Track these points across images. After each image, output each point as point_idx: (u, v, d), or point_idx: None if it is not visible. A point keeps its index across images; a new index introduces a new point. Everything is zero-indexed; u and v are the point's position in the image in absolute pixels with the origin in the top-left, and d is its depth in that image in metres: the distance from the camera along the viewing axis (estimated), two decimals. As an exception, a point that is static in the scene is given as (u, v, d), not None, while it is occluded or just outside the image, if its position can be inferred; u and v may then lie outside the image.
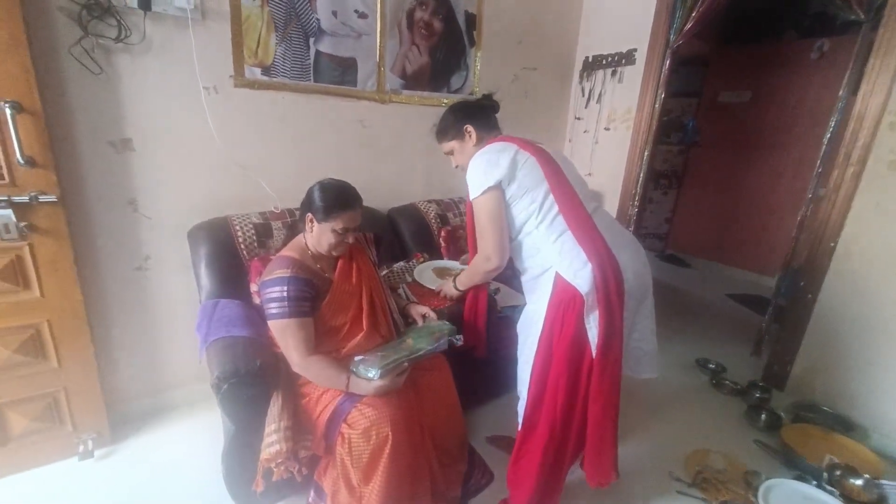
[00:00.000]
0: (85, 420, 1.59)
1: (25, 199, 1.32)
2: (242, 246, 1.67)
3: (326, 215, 1.29)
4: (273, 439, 1.20)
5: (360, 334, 1.38)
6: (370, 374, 1.22)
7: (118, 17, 1.42)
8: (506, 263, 1.31)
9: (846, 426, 1.88)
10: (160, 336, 1.79)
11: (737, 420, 2.02)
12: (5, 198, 1.29)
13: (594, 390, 1.22)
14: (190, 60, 1.57)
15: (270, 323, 1.26)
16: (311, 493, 1.40)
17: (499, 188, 1.25)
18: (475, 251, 1.41)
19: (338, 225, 1.29)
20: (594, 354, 1.19)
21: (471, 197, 1.29)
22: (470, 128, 1.40)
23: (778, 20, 3.61)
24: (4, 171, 1.30)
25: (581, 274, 1.17)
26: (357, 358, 1.29)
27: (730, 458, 1.74)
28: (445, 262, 2.05)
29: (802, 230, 2.24)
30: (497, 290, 1.80)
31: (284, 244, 1.48)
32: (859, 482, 1.54)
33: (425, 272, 1.90)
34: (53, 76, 1.38)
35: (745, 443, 1.86)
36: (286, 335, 1.24)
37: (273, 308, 1.24)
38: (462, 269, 1.79)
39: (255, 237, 1.71)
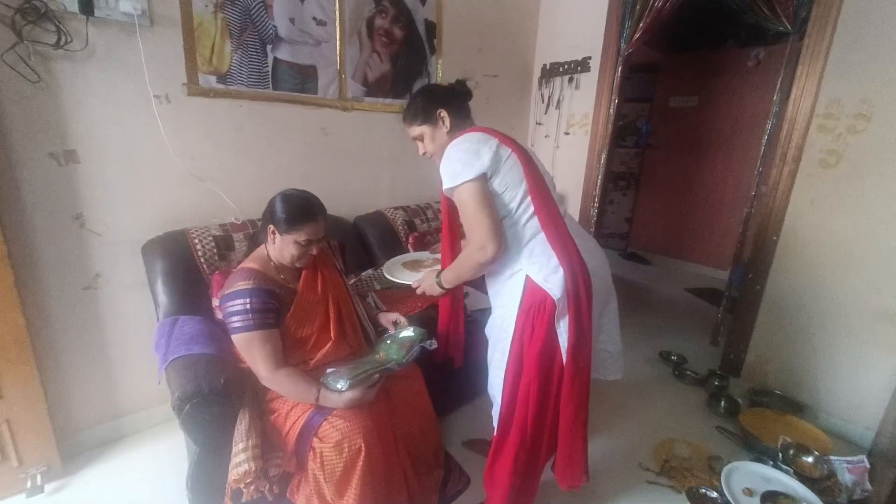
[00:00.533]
0: (32, 453, 1.48)
1: (-45, 217, 1.22)
2: (202, 260, 1.61)
3: (289, 227, 1.26)
4: (241, 458, 1.15)
5: (328, 344, 1.35)
6: (339, 386, 1.20)
7: (57, 23, 1.34)
8: (503, 251, 1.18)
9: (797, 408, 2.00)
10: (114, 358, 1.69)
11: (699, 408, 2.11)
12: (-69, 217, 1.19)
13: (565, 395, 1.22)
14: (138, 68, 1.51)
15: (234, 337, 1.22)
16: (284, 513, 1.35)
17: (482, 179, 1.16)
18: (452, 250, 1.37)
19: (300, 237, 1.27)
20: (564, 360, 1.19)
21: (447, 186, 1.19)
22: (444, 113, 1.28)
23: (718, 31, 3.85)
24: (-70, 188, 1.20)
25: (552, 279, 1.16)
26: (328, 370, 1.27)
27: (694, 445, 1.82)
28: (415, 255, 1.96)
29: (748, 226, 2.39)
30: (466, 294, 1.81)
31: (246, 256, 1.44)
32: (810, 459, 1.65)
33: (395, 267, 1.75)
34: (-16, 84, 1.29)
35: (707, 429, 1.95)
36: (252, 349, 1.20)
37: (236, 321, 1.20)
38: (434, 259, 1.75)
39: (215, 250, 1.64)
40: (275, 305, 1.25)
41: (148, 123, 1.57)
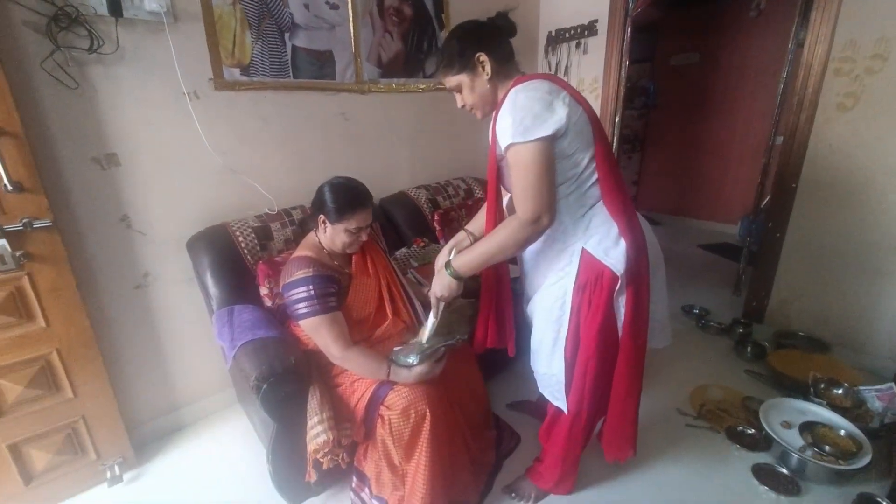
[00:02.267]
0: (108, 446, 1.56)
1: (18, 226, 1.26)
2: (246, 251, 1.66)
3: (339, 216, 1.29)
4: (318, 430, 1.23)
5: (386, 322, 1.42)
6: (410, 360, 1.26)
7: (88, 27, 1.35)
8: (554, 218, 1.05)
9: (821, 347, 2.09)
10: (168, 352, 1.76)
11: (726, 355, 2.20)
12: (-3, 227, 1.23)
13: (619, 371, 1.18)
14: (166, 66, 1.52)
15: (302, 323, 1.27)
16: (354, 479, 1.44)
17: (553, 139, 1.00)
18: (497, 212, 1.20)
19: (351, 225, 1.30)
20: (621, 336, 1.15)
21: (510, 142, 1.00)
22: (483, 56, 1.08)
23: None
24: (-8, 200, 1.23)
25: (613, 252, 1.08)
26: (395, 348, 1.33)
27: (726, 389, 1.91)
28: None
29: (766, 175, 2.43)
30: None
31: (296, 244, 1.49)
32: (840, 391, 1.74)
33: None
34: (27, 94, 1.31)
35: (737, 374, 2.04)
36: (321, 332, 1.26)
37: (302, 308, 1.25)
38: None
39: (256, 241, 1.69)
40: (335, 289, 1.30)
41: (180, 121, 1.59)
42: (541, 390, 1.33)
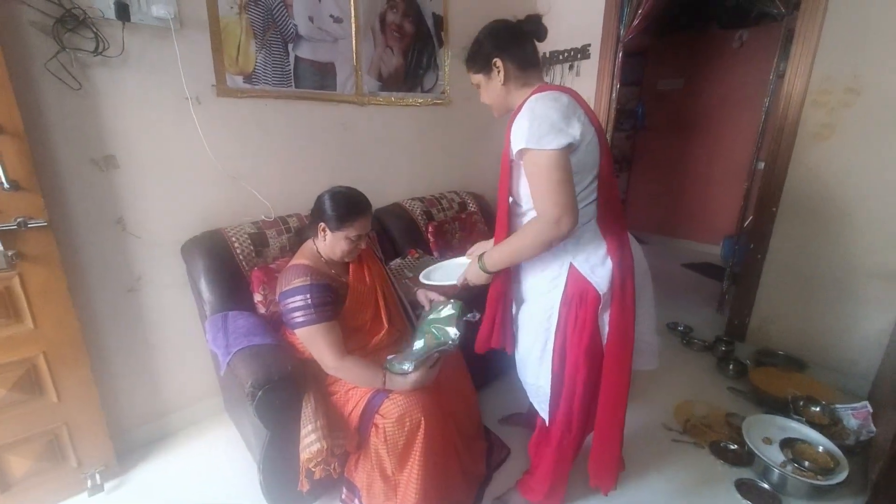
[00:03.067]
0: (90, 453, 1.52)
1: (13, 225, 1.24)
2: (241, 257, 1.65)
3: (340, 224, 1.30)
4: (312, 438, 1.23)
5: (382, 331, 1.43)
6: (405, 367, 1.27)
7: (94, 29, 1.36)
8: (577, 221, 1.03)
9: (800, 365, 2.16)
10: (158, 358, 1.73)
11: (710, 372, 2.26)
12: (-9, 226, 1.22)
13: (603, 391, 1.19)
14: (169, 71, 1.53)
15: (298, 332, 1.28)
16: (343, 490, 1.43)
17: (569, 150, 1.01)
18: (510, 225, 1.20)
19: (351, 233, 1.32)
20: (605, 356, 1.17)
21: (522, 146, 1.00)
22: (499, 62, 1.10)
23: (701, 14, 3.98)
24: (-13, 198, 1.22)
25: (599, 271, 1.11)
26: (388, 357, 1.34)
27: (710, 405, 1.96)
28: (450, 261, 1.83)
29: (749, 199, 2.53)
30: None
31: (292, 252, 1.49)
32: (818, 409, 1.80)
33: (434, 273, 1.55)
34: (30, 94, 1.31)
35: (720, 390, 2.10)
36: (316, 341, 1.26)
37: (299, 317, 1.25)
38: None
39: (251, 247, 1.69)
40: (332, 298, 1.31)
41: (181, 125, 1.60)
42: (531, 399, 1.34)
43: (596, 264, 1.12)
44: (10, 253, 1.25)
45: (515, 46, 1.11)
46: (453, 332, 1.35)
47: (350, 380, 1.31)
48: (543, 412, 1.28)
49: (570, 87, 1.18)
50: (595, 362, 1.18)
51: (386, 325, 1.44)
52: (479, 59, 1.14)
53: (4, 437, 1.34)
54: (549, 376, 1.22)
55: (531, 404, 1.35)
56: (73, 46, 1.34)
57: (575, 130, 1.01)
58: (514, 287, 1.27)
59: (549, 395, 1.23)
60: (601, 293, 1.10)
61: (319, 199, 1.36)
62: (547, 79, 2.92)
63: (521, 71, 1.12)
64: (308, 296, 1.25)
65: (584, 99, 1.11)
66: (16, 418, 1.35)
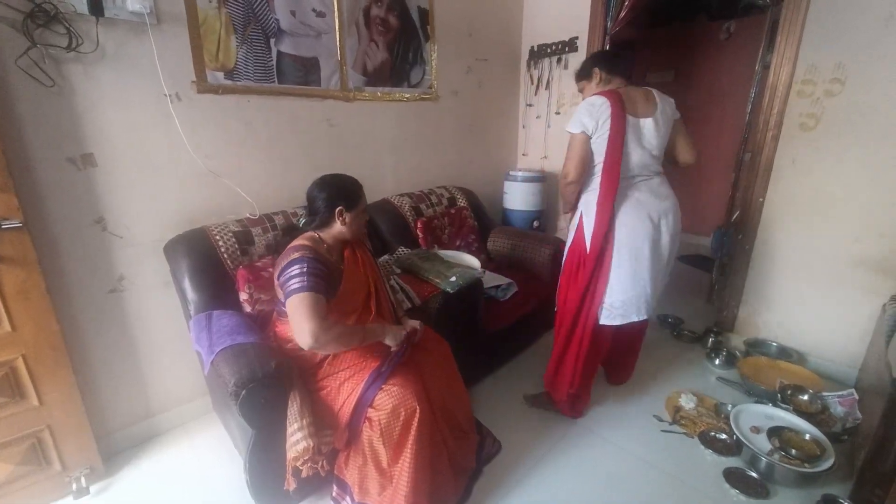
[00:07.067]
0: (74, 456, 1.50)
1: (-14, 226, 1.22)
2: (225, 255, 1.64)
3: (357, 200, 1.39)
4: (298, 437, 1.21)
5: (370, 318, 1.42)
6: (452, 279, 1.72)
7: (67, 25, 1.32)
8: (579, 179, 1.64)
9: (788, 354, 2.18)
10: (142, 359, 1.71)
11: (699, 363, 2.27)
12: (-37, 227, 1.19)
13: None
14: (147, 67, 1.50)
15: (289, 301, 1.23)
16: (334, 488, 1.42)
17: (584, 135, 1.56)
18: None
19: (363, 205, 1.42)
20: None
21: (567, 128, 1.62)
22: (597, 70, 1.66)
23: (689, 5, 3.98)
24: (-42, 199, 1.19)
25: (587, 225, 1.63)
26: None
27: (700, 395, 1.97)
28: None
29: (736, 190, 2.54)
30: (483, 273, 1.90)
31: (277, 251, 1.49)
32: (805, 397, 1.81)
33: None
34: (0, 92, 1.28)
35: (709, 381, 2.11)
36: (303, 307, 1.20)
37: (294, 284, 1.22)
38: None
39: (236, 245, 1.67)
40: (325, 274, 1.28)
41: (161, 122, 1.57)
42: None
43: (589, 224, 1.62)
44: (-16, 255, 1.23)
45: (607, 62, 1.68)
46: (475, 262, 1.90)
47: (335, 341, 1.25)
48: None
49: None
50: (577, 293, 1.68)
51: (374, 312, 1.43)
52: (585, 69, 1.72)
53: (-15, 441, 1.32)
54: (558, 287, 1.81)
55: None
56: (45, 42, 1.31)
57: (589, 124, 1.54)
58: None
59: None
60: (586, 249, 1.63)
61: (326, 187, 1.37)
62: (534, 73, 2.92)
63: (609, 78, 1.67)
64: (304, 265, 1.24)
65: (622, 105, 1.54)
66: (-4, 422, 1.33)
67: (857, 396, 1.72)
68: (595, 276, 1.63)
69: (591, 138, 1.56)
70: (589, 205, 1.63)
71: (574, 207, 1.75)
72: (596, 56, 1.73)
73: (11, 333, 1.32)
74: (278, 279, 1.29)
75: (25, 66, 1.29)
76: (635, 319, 1.65)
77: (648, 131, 1.61)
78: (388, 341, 1.37)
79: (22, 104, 1.32)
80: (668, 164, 1.82)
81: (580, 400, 1.83)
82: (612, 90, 1.58)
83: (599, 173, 1.60)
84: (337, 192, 1.36)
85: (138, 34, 1.47)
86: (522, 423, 1.82)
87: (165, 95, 1.56)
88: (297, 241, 1.34)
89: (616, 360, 2.00)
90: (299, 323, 1.21)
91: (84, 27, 1.37)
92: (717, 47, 3.81)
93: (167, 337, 1.73)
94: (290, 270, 1.24)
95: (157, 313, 1.70)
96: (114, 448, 1.67)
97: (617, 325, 1.66)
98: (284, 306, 1.27)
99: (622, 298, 1.63)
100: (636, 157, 1.61)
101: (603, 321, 1.65)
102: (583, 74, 1.73)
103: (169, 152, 1.61)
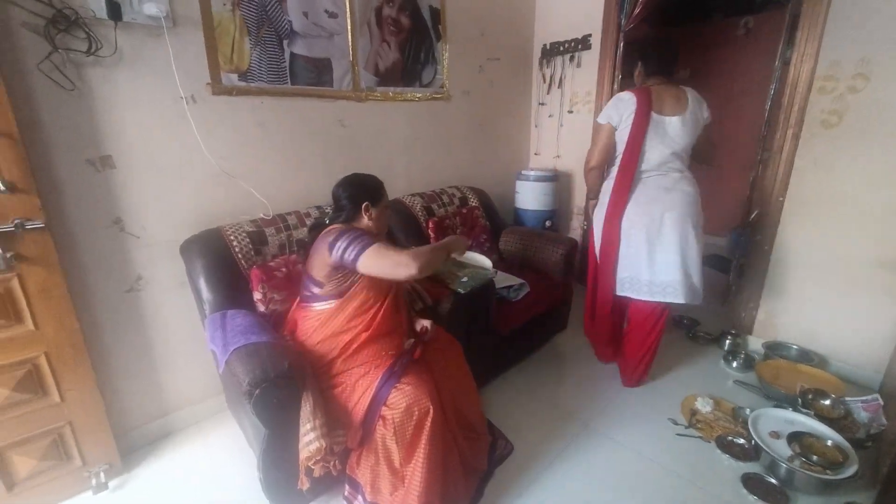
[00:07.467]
0: (94, 452, 1.53)
1: (10, 227, 1.24)
2: (240, 255, 1.65)
3: (381, 196, 1.46)
4: (311, 437, 1.22)
5: (388, 314, 1.42)
6: (464, 280, 1.75)
7: (87, 29, 1.35)
8: (600, 166, 1.90)
9: (808, 358, 2.12)
10: (158, 357, 1.74)
11: (716, 365, 2.23)
12: (-12, 228, 1.22)
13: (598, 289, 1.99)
14: (164, 70, 1.53)
15: (363, 258, 1.25)
16: (346, 487, 1.43)
17: (608, 125, 1.77)
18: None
19: (386, 201, 1.48)
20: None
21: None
22: (640, 64, 1.82)
23: (706, 2, 3.90)
24: (-16, 200, 1.22)
25: (598, 216, 1.92)
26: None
27: (716, 399, 1.93)
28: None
29: (754, 189, 2.48)
30: (495, 273, 1.89)
31: (291, 250, 1.51)
32: (827, 402, 1.77)
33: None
34: (23, 95, 1.30)
35: (726, 384, 2.07)
36: (382, 252, 1.25)
37: (356, 247, 1.26)
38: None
39: (250, 246, 1.69)
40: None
41: (177, 124, 1.59)
42: None
43: (601, 209, 1.89)
44: (8, 255, 1.26)
45: (648, 58, 1.82)
46: (487, 262, 1.96)
47: (431, 265, 1.29)
48: None
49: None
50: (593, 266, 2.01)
51: (388, 307, 1.43)
52: (628, 66, 1.96)
53: (9, 436, 1.36)
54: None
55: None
56: (66, 47, 1.34)
57: (614, 116, 1.75)
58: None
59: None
60: (597, 223, 1.93)
61: (350, 186, 1.42)
62: (546, 71, 2.89)
63: (647, 74, 1.82)
64: (353, 232, 1.30)
65: (650, 101, 1.69)
66: (19, 418, 1.37)
67: (881, 402, 1.67)
68: (607, 253, 1.87)
69: (616, 130, 1.74)
70: (605, 193, 1.86)
71: (597, 195, 1.97)
72: (640, 50, 1.85)
73: (34, 332, 1.35)
74: (332, 255, 1.30)
75: (47, 70, 1.32)
76: (633, 297, 1.86)
77: (673, 129, 1.71)
78: (457, 254, 1.48)
79: (44, 107, 1.35)
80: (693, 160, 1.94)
81: (609, 346, 2.13)
82: (644, 88, 1.73)
83: (619, 164, 1.77)
84: (361, 188, 1.42)
85: (155, 37, 1.49)
86: (534, 424, 1.81)
87: (181, 97, 1.58)
88: (330, 228, 1.37)
89: (630, 351, 2.02)
90: (392, 265, 1.25)
91: (103, 31, 1.39)
92: (735, 43, 3.73)
93: (182, 336, 1.76)
94: (341, 241, 1.28)
95: (174, 312, 1.73)
96: (131, 445, 1.70)
97: (631, 299, 1.90)
98: (350, 266, 1.28)
99: (622, 276, 1.87)
100: (656, 153, 1.73)
101: (617, 292, 1.90)
102: (632, 64, 1.90)
103: (184, 153, 1.64)
